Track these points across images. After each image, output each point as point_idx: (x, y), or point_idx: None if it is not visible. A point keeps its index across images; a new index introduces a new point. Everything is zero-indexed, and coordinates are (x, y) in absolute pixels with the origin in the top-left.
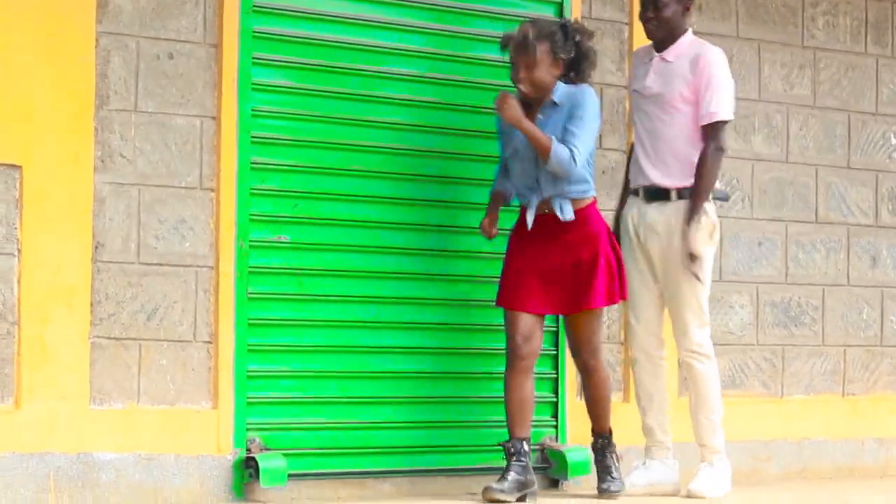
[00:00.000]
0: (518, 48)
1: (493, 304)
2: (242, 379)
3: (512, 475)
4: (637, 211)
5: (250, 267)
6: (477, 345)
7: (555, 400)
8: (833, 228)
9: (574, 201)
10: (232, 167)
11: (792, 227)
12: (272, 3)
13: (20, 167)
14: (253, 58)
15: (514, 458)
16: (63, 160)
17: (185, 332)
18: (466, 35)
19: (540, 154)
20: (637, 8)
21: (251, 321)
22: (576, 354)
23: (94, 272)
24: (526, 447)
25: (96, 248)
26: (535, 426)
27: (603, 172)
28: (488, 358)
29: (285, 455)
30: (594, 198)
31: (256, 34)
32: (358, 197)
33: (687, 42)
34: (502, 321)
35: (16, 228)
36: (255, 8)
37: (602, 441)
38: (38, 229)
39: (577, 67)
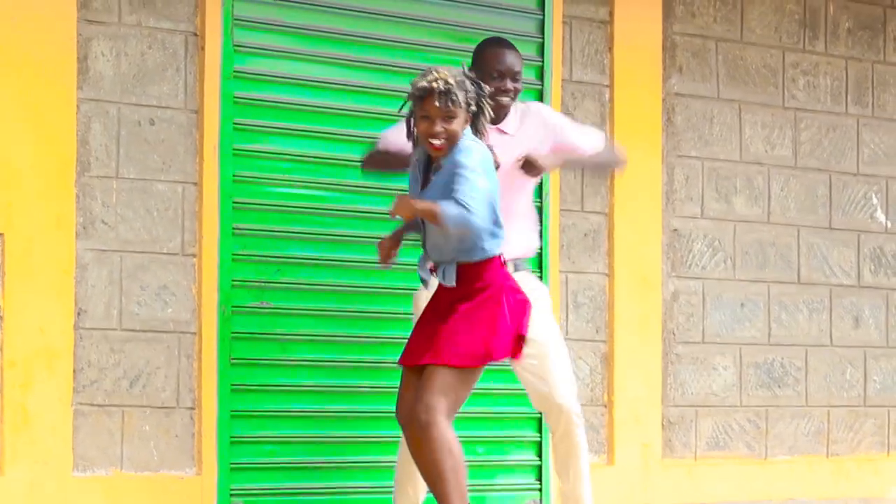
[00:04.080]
0: (441, 97)
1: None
2: (226, 445)
3: None
4: None
5: (233, 333)
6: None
7: (539, 463)
8: (815, 289)
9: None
10: (214, 233)
11: (774, 288)
12: (253, 68)
13: (2, 234)
14: (234, 123)
15: None
16: (45, 227)
17: (168, 399)
18: None
19: (436, 224)
20: (619, 71)
21: (234, 387)
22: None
23: (77, 339)
24: None
25: (78, 314)
26: (520, 489)
27: (585, 235)
28: (488, 421)
29: None
30: (496, 256)
31: (237, 100)
32: (342, 262)
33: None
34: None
35: None
36: (235, 74)
37: None
38: (21, 296)
39: (475, 122)
